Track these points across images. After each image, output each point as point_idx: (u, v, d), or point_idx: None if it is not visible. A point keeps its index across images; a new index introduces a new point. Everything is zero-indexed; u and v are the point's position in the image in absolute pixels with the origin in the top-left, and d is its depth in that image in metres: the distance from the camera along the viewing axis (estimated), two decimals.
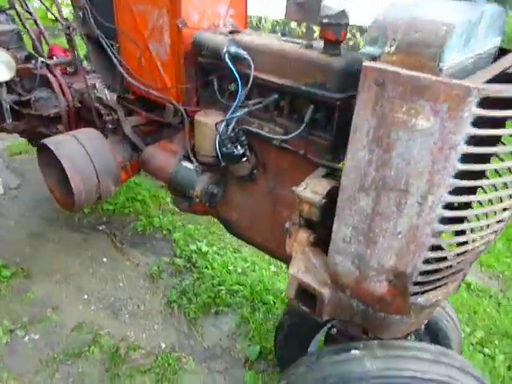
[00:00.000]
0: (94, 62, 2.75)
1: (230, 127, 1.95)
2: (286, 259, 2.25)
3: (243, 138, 1.97)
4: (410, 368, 1.62)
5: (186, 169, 2.29)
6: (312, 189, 1.76)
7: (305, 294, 1.83)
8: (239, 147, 1.97)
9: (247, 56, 1.85)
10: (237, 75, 1.90)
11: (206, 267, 3.50)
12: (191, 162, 2.30)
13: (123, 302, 3.21)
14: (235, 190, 2.30)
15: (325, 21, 1.64)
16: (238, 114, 1.89)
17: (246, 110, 1.90)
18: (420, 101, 1.27)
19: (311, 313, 1.81)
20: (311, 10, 2.32)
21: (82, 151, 2.38)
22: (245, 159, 2.02)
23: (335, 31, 1.65)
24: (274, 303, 3.23)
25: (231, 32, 2.04)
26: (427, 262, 1.50)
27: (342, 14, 1.62)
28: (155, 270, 3.47)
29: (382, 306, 1.64)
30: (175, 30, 2.11)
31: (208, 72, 2.17)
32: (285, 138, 1.85)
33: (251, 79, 1.83)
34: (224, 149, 2.00)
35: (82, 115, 3.07)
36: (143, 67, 2.37)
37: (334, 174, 1.84)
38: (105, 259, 3.58)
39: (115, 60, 2.42)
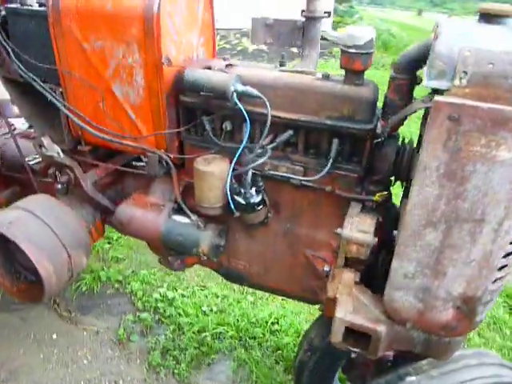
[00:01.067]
0: (21, 109, 2.22)
1: (249, 174, 1.72)
2: (308, 299, 2.12)
3: (261, 183, 1.77)
4: (466, 379, 1.66)
5: (183, 225, 1.98)
6: (358, 228, 1.66)
7: (353, 335, 1.76)
8: (257, 194, 1.77)
9: (259, 94, 1.65)
10: (246, 115, 1.68)
11: (179, 315, 3.16)
12: (185, 214, 2.00)
13: (95, 382, 2.73)
14: (241, 236, 2.07)
15: (352, 50, 1.53)
16: (261, 160, 1.68)
17: (268, 153, 1.69)
18: (501, 132, 1.24)
19: (364, 352, 1.74)
20: (281, 32, 2.19)
21: (41, 226, 1.91)
22: (262, 206, 1.82)
23: (364, 61, 1.55)
24: (264, 335, 3.06)
25: (227, 66, 1.80)
26: (495, 281, 1.51)
27: (371, 42, 1.52)
28: (121, 334, 3.02)
29: (447, 331, 1.63)
30: (152, 69, 1.79)
31: (194, 112, 1.90)
32: (314, 178, 1.70)
33: (269, 118, 1.63)
34: (240, 198, 1.77)
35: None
36: (104, 113, 1.98)
37: (366, 206, 1.76)
38: (54, 336, 3.00)
39: (62, 107, 1.98)
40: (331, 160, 1.68)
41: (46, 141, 1.99)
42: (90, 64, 1.90)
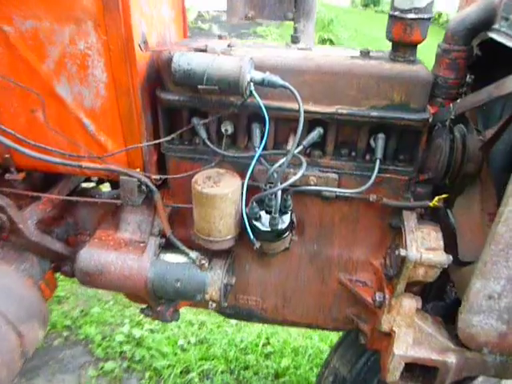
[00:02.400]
0: None
1: (279, 194, 1.27)
2: (339, 329, 1.76)
3: (289, 202, 1.33)
4: None
5: (179, 266, 1.48)
6: (425, 245, 1.30)
7: (413, 369, 1.48)
8: (284, 217, 1.32)
9: (284, 83, 1.19)
10: (265, 111, 1.23)
11: (153, 357, 2.62)
12: (178, 251, 1.50)
13: None
14: (253, 267, 1.63)
15: (411, 16, 1.14)
16: (300, 173, 1.23)
17: (304, 163, 1.26)
18: None
19: None
20: (267, 2, 1.73)
21: None
22: (289, 231, 1.38)
23: (423, 30, 1.17)
24: (258, 361, 2.65)
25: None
26: None
27: (431, 5, 1.14)
28: None
29: None
30: (119, 56, 1.24)
31: (178, 114, 1.40)
32: (362, 188, 1.31)
33: (302, 115, 1.19)
34: (261, 224, 1.32)
35: None
36: (43, 126, 1.38)
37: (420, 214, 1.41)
38: None
39: None
40: (378, 161, 1.30)
41: None
42: (16, 55, 1.29)
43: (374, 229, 1.48)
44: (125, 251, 1.53)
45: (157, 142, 1.38)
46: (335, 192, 1.38)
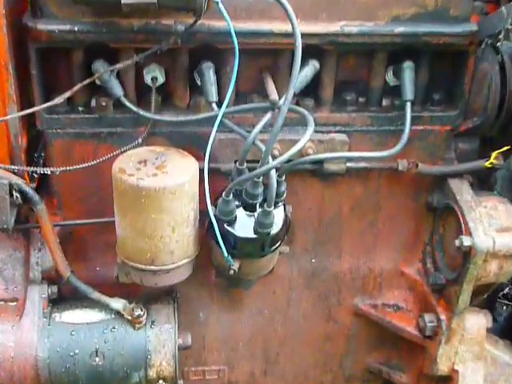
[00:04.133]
0: None
1: (273, 175, 0.76)
2: None
3: (284, 188, 0.82)
4: None
5: (98, 328, 0.86)
6: (494, 225, 0.91)
7: None
8: (277, 214, 0.81)
9: None
10: (235, 40, 0.73)
11: None
12: (84, 303, 0.88)
13: None
14: (214, 315, 1.07)
15: None
16: (300, 144, 0.74)
17: (311, 123, 0.78)
18: None
19: None
20: None
21: None
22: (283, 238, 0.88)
23: None
24: None
25: None
26: None
27: None
28: None
29: None
30: None
31: (64, 57, 0.84)
32: (394, 150, 0.87)
33: (299, 39, 0.72)
34: (240, 230, 0.80)
35: None
36: None
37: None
38: None
39: None
40: (409, 104, 0.89)
41: None
42: None
43: (404, 217, 1.03)
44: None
45: (41, 107, 0.77)
46: (354, 159, 0.92)
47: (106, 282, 0.91)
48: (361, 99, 0.93)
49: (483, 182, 1.00)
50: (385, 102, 0.93)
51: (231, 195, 0.79)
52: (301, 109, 0.82)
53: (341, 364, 1.11)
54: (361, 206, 1.00)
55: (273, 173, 0.76)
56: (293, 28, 0.72)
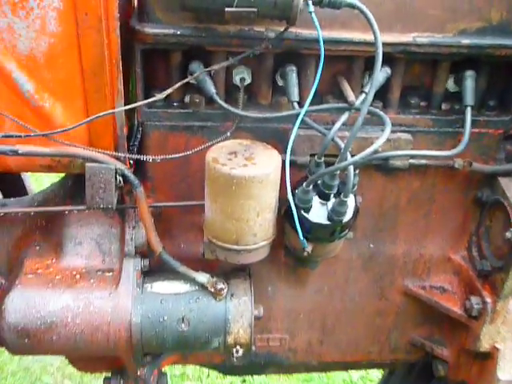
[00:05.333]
0: None
1: (351, 171, 0.85)
2: (393, 362, 1.36)
3: (356, 180, 0.91)
4: None
5: (184, 298, 0.97)
6: None
7: None
8: (348, 203, 0.90)
9: (354, 2, 0.80)
10: (322, 45, 0.82)
11: None
12: (173, 277, 1.00)
13: None
14: (280, 290, 1.17)
15: None
16: (380, 142, 0.83)
17: (388, 123, 0.87)
18: None
19: None
20: None
21: None
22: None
23: None
24: None
25: None
26: None
27: None
28: None
29: None
30: None
31: (163, 58, 0.94)
32: (456, 150, 0.95)
33: (380, 48, 0.81)
34: (315, 216, 0.89)
35: None
36: None
37: None
38: None
39: None
40: (470, 109, 0.97)
41: None
42: None
43: (454, 209, 1.12)
44: (86, 287, 0.97)
45: (146, 102, 0.88)
46: (427, 156, 1.00)
47: (188, 258, 1.02)
48: (423, 103, 1.02)
49: None
50: (444, 106, 1.01)
51: (311, 186, 0.88)
52: (379, 111, 0.91)
53: (388, 337, 1.22)
54: (417, 198, 1.09)
55: (351, 168, 0.85)
56: (375, 38, 0.82)
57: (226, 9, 0.78)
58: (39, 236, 1.05)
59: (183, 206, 1.01)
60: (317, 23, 0.80)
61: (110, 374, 1.13)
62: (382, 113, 0.90)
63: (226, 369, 1.32)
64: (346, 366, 1.39)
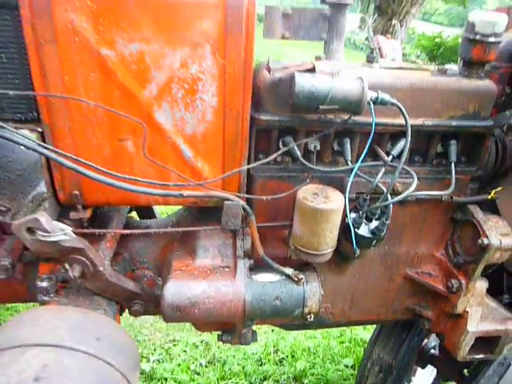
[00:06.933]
0: None
1: (391, 206, 1.38)
2: (394, 319, 1.93)
3: (391, 210, 1.44)
4: None
5: (277, 284, 1.48)
6: (500, 232, 1.52)
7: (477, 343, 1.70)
8: (382, 221, 1.43)
9: (394, 100, 1.30)
10: (374, 128, 1.33)
11: None
12: (268, 270, 1.51)
13: None
14: (328, 277, 1.70)
15: (492, 40, 1.34)
16: (411, 188, 1.37)
17: (415, 177, 1.40)
18: None
19: (489, 356, 1.74)
20: (302, 24, 1.81)
21: (85, 362, 1.15)
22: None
23: (497, 50, 1.38)
24: (274, 369, 2.69)
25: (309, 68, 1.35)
26: None
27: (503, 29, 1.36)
28: None
29: None
30: (235, 79, 1.22)
31: (267, 134, 1.43)
32: (448, 191, 1.47)
33: (409, 129, 1.32)
34: (364, 231, 1.42)
35: None
36: (131, 157, 1.28)
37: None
38: None
39: (49, 154, 1.18)
40: (453, 164, 1.49)
41: (43, 218, 1.17)
42: (112, 81, 1.18)
43: (438, 224, 1.66)
44: (214, 278, 1.47)
45: (259, 163, 1.38)
46: (433, 196, 1.53)
47: (274, 258, 1.51)
48: (422, 159, 1.54)
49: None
50: (435, 162, 1.53)
51: (363, 214, 1.41)
52: (410, 169, 1.41)
53: (392, 304, 1.78)
54: (416, 218, 1.63)
55: (391, 205, 1.37)
56: (406, 123, 1.31)
57: (321, 106, 1.27)
58: (178, 245, 1.55)
59: (273, 226, 1.52)
60: (374, 114, 1.29)
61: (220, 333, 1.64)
62: (412, 171, 1.40)
63: (289, 326, 1.87)
64: (363, 323, 1.96)
